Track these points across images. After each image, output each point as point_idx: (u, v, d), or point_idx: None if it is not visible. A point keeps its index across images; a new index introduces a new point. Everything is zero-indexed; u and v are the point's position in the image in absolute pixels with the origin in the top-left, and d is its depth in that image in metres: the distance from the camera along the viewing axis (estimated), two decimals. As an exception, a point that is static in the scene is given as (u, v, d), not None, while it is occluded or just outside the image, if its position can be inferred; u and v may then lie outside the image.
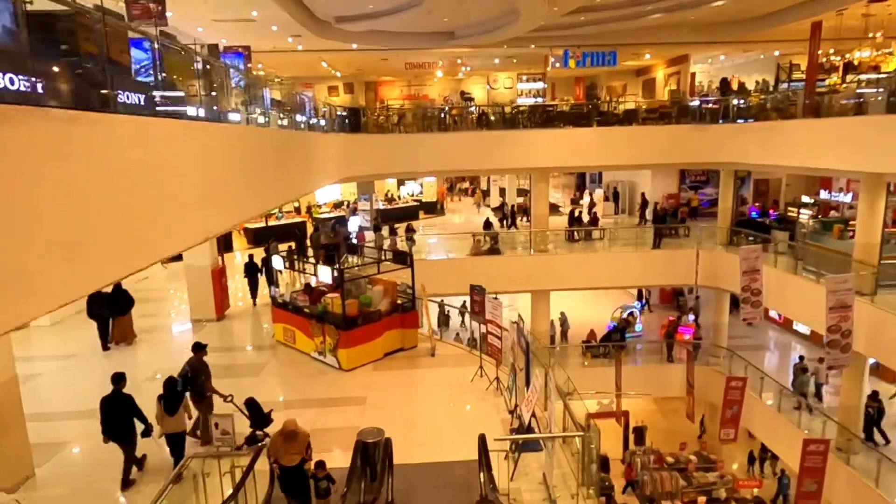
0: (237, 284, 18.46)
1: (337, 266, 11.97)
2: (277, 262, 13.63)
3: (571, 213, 26.29)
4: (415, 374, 11.60)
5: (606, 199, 30.93)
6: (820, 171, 20.45)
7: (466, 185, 40.85)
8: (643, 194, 27.38)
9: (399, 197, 34.38)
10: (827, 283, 12.64)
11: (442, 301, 16.39)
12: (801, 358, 18.14)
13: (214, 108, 7.70)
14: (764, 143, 18.67)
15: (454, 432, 9.19)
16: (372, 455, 7.39)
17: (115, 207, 4.58)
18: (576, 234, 23.83)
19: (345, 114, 19.95)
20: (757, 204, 27.92)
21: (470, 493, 7.65)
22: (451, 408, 10.03)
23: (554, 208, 26.86)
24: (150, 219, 5.23)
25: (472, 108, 22.44)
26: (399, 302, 12.95)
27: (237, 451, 7.05)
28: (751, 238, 18.93)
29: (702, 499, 14.40)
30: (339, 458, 8.01)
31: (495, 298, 10.13)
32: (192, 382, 8.62)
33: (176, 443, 8.01)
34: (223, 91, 8.26)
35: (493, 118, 21.84)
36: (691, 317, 25.54)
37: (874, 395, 14.13)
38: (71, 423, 9.89)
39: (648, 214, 25.60)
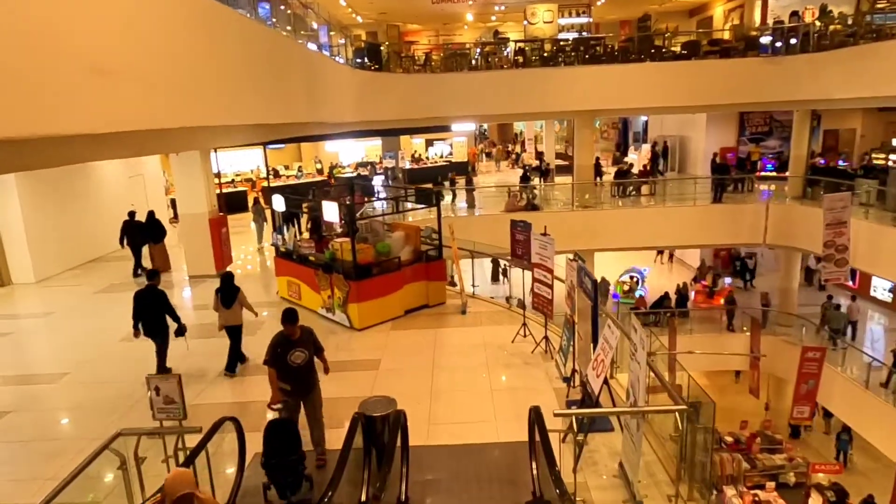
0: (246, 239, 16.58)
1: (344, 200, 9.80)
2: (279, 202, 11.53)
3: (619, 168, 23.72)
4: (441, 334, 9.44)
5: (654, 156, 28.04)
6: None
7: (495, 149, 38.17)
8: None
9: (427, 157, 32.16)
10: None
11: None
12: (830, 297, 17.92)
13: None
14: (853, 73, 15.70)
15: (491, 406, 7.04)
16: (379, 434, 5.28)
17: None
18: (624, 188, 21.34)
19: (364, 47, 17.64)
20: (828, 156, 24.81)
21: (516, 488, 5.50)
22: (487, 375, 7.85)
23: (597, 168, 24.26)
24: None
25: (508, 48, 19.83)
26: (423, 249, 10.78)
27: (188, 428, 5.00)
28: (841, 187, 16.05)
29: (770, 484, 12.20)
30: (338, 438, 5.90)
31: (545, 235, 7.83)
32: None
33: (234, 334, 8.40)
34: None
35: (531, 55, 19.26)
36: (727, 280, 22.95)
37: None
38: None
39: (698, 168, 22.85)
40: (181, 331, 8.13)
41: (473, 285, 11.32)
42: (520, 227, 8.71)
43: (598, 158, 24.02)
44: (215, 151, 14.01)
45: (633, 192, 21.64)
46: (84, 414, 7.48)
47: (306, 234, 11.29)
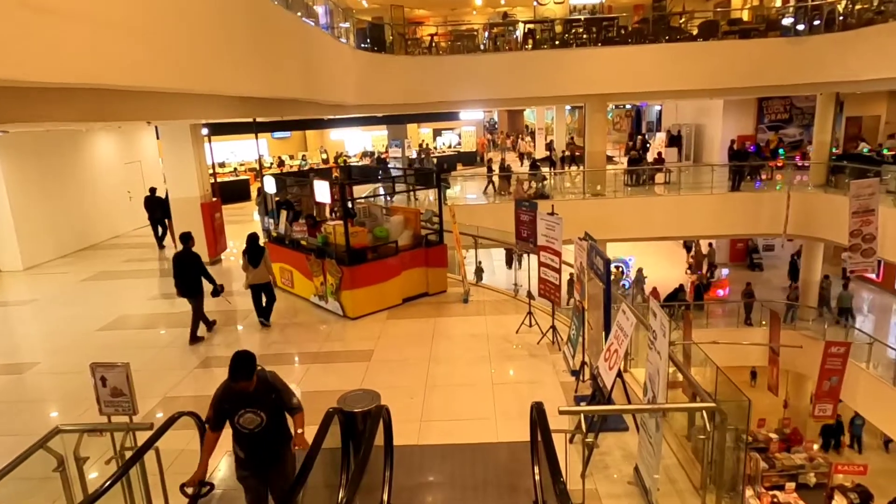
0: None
1: (335, 180, 9.12)
2: (269, 183, 10.86)
3: (630, 156, 22.89)
4: (441, 323, 8.76)
5: (669, 144, 27.12)
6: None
7: (508, 141, 37.31)
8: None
9: (435, 147, 31.48)
10: None
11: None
12: (827, 276, 17.90)
13: None
14: (882, 52, 14.77)
15: (492, 401, 6.35)
16: (360, 433, 4.61)
17: None
18: (637, 176, 20.53)
19: (367, 27, 16.94)
20: (852, 144, 23.83)
21: (516, 495, 4.83)
22: (489, 368, 7.16)
23: (608, 159, 23.41)
24: None
25: (517, 30, 19.03)
26: (423, 234, 10.11)
27: (136, 425, 4.34)
28: (868, 174, 15.14)
29: (790, 485, 11.47)
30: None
31: (552, 214, 7.12)
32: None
33: (266, 291, 8.85)
34: None
35: (541, 37, 18.46)
36: (725, 271, 22.08)
37: None
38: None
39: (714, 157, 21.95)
40: (217, 291, 8.57)
41: (476, 271, 10.62)
42: (525, 208, 7.99)
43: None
44: (210, 141, 13.43)
45: (647, 181, 20.85)
46: (45, 408, 6.88)
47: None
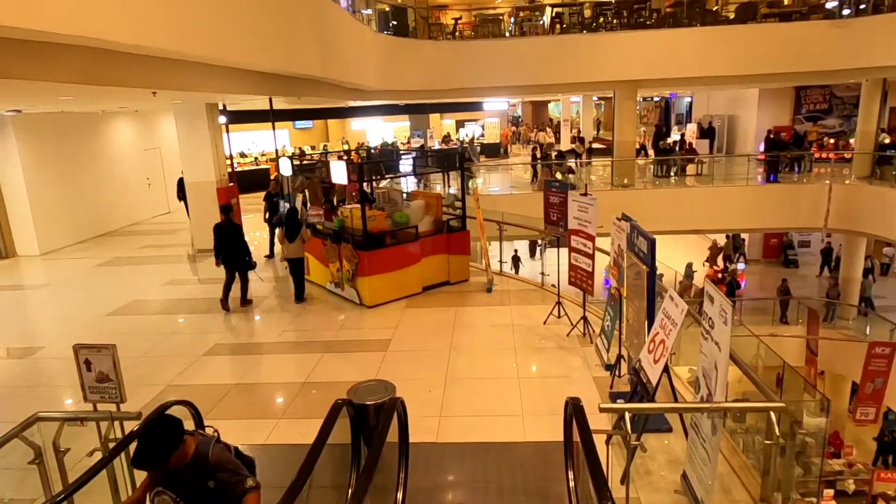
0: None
1: (347, 157, 8.62)
2: (285, 165, 10.41)
3: (658, 145, 22.07)
4: (463, 313, 8.23)
5: (700, 136, 26.15)
6: None
7: (532, 133, 36.52)
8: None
9: (458, 139, 30.92)
10: None
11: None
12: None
13: None
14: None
15: (518, 397, 5.81)
16: (372, 427, 4.12)
17: None
18: (667, 167, 19.76)
19: (389, 10, 16.44)
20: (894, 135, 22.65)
21: (547, 502, 4.29)
22: (514, 360, 6.62)
23: (637, 151, 22.63)
24: None
25: (544, 15, 18.36)
26: (445, 219, 9.59)
27: (121, 414, 3.90)
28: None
29: (828, 492, 10.76)
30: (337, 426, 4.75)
31: (585, 195, 6.54)
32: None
33: (295, 267, 8.88)
34: None
35: (569, 20, 17.77)
36: (741, 265, 21.16)
37: None
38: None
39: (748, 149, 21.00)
40: (250, 265, 8.80)
41: (501, 261, 10.06)
42: (555, 189, 7.41)
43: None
44: (228, 130, 13.09)
45: (679, 172, 20.05)
46: (42, 393, 6.52)
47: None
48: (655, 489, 4.35)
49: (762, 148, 22.98)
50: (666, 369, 4.31)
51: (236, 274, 8.78)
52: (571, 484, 3.97)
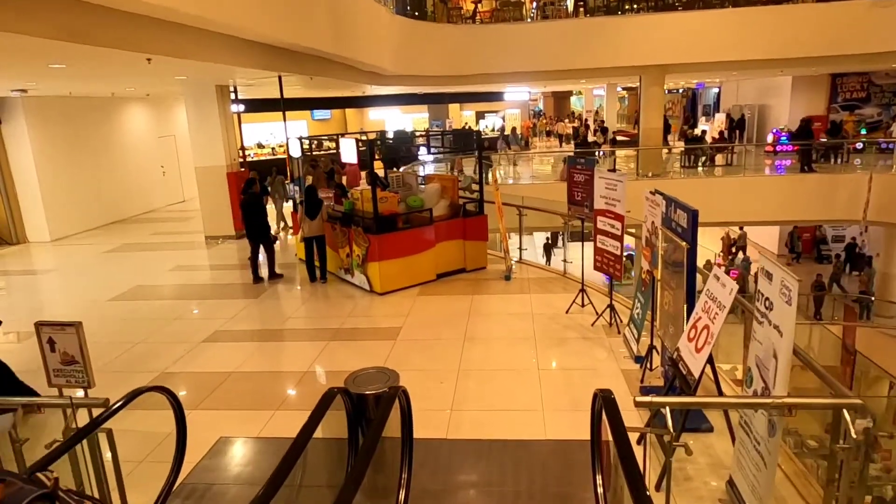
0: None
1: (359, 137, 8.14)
2: (295, 147, 9.95)
3: (685, 133, 21.27)
4: (479, 301, 7.70)
5: (730, 128, 25.18)
6: None
7: (552, 125, 35.70)
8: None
9: (477, 131, 30.31)
10: None
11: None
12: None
13: None
14: None
15: (538, 390, 5.27)
16: (370, 420, 3.62)
17: None
18: (695, 157, 18.96)
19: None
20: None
21: (571, 508, 3.76)
22: (534, 351, 6.07)
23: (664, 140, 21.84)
24: None
25: (567, -1, 17.70)
26: (461, 203, 9.06)
27: (86, 401, 3.45)
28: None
29: (867, 498, 10.02)
30: (335, 420, 4.26)
31: (613, 170, 5.94)
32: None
33: (320, 245, 8.79)
34: None
35: (593, 3, 17.08)
36: (746, 259, 20.33)
37: None
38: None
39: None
40: (271, 239, 9.01)
41: (521, 248, 9.50)
42: (579, 166, 6.83)
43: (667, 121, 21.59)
44: (240, 121, 12.73)
45: (707, 163, 19.25)
46: (26, 379, 6.13)
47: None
48: (697, 497, 3.78)
49: (770, 139, 22.13)
50: (710, 360, 3.73)
51: (260, 247, 8.99)
52: (600, 490, 3.42)
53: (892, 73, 22.20)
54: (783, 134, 21.79)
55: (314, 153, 11.71)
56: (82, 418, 3.51)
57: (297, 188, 10.07)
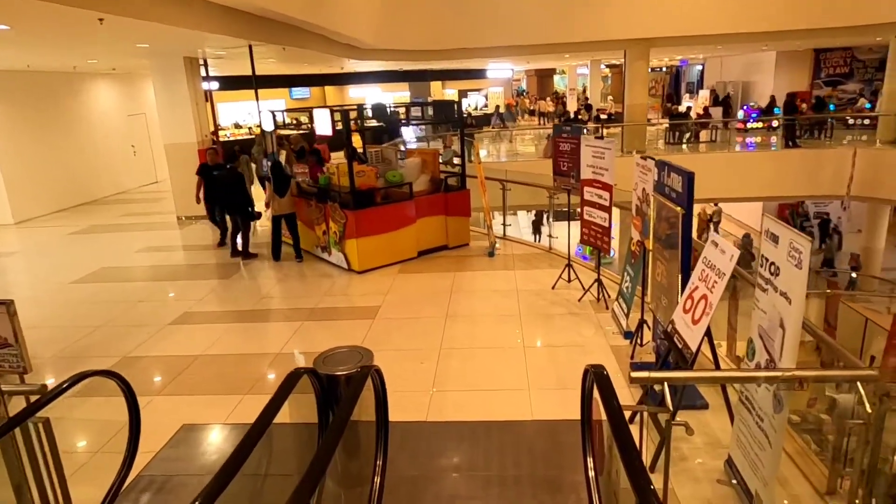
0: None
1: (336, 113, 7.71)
2: (268, 120, 9.49)
3: (669, 109, 21.07)
4: (462, 278, 7.40)
5: (714, 104, 24.99)
6: None
7: (534, 104, 35.25)
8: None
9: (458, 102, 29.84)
10: None
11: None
12: None
13: None
14: None
15: (523, 368, 5.00)
16: (339, 401, 3.30)
17: None
18: (680, 134, 18.79)
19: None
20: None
21: (559, 494, 3.51)
22: (519, 328, 5.80)
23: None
24: None
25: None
26: (443, 178, 8.72)
27: (20, 388, 3.10)
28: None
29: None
30: (303, 406, 3.93)
31: (600, 137, 5.64)
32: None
33: (291, 223, 8.44)
34: None
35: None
36: (714, 235, 20.35)
37: None
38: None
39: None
40: (253, 215, 8.81)
41: (505, 224, 9.20)
42: (565, 134, 6.51)
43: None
44: (212, 100, 12.20)
45: (692, 139, 19.10)
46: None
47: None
48: (693, 478, 3.55)
49: (741, 115, 22.08)
50: (707, 333, 3.47)
51: (238, 222, 8.76)
52: (591, 473, 3.16)
53: (875, 49, 22.10)
54: (753, 111, 21.71)
55: (288, 131, 11.22)
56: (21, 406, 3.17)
57: (269, 163, 9.61)
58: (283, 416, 3.49)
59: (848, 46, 22.44)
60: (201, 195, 9.51)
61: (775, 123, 19.06)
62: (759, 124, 19.89)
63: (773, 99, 21.45)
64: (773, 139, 18.64)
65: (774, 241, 2.94)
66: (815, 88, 23.06)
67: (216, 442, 4.29)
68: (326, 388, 3.38)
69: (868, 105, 20.66)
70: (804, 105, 19.67)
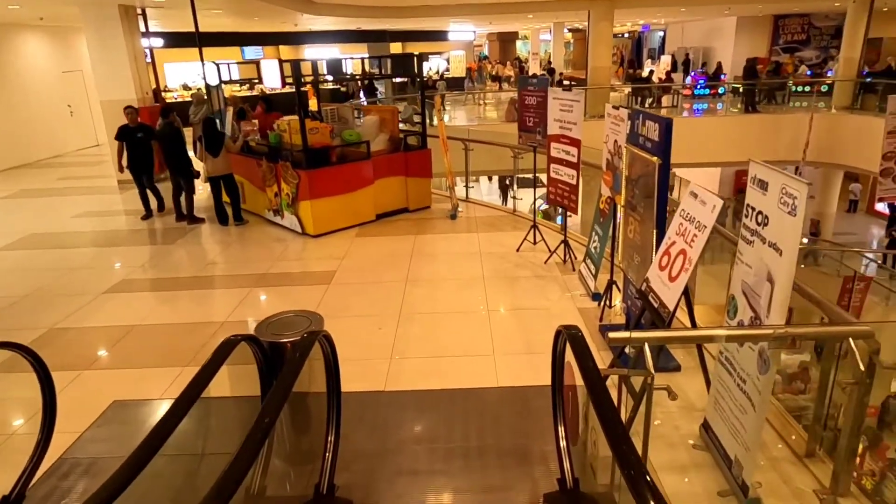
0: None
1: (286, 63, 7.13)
2: (212, 73, 8.80)
3: (631, 74, 20.91)
4: (423, 241, 7.06)
5: (674, 69, 24.96)
6: None
7: (495, 69, 34.56)
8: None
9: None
10: None
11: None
12: None
13: None
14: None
15: (488, 333, 4.73)
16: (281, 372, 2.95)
17: None
18: (642, 98, 18.68)
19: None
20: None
21: (528, 465, 3.27)
22: (483, 292, 5.51)
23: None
24: None
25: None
26: (402, 137, 8.28)
27: None
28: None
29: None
30: (246, 378, 3.55)
31: (567, 88, 5.31)
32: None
33: (229, 184, 7.87)
34: None
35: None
36: None
37: None
38: None
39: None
40: (192, 174, 8.14)
41: (467, 186, 8.86)
42: (531, 87, 6.15)
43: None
44: (153, 57, 11.26)
45: (653, 104, 19.02)
46: None
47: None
48: (668, 444, 3.35)
49: (688, 81, 22.19)
50: (685, 291, 3.24)
51: (181, 183, 8.12)
52: (563, 442, 2.91)
53: (832, 16, 22.33)
54: (700, 77, 21.81)
55: (236, 88, 10.51)
56: None
57: (217, 121, 8.95)
58: (223, 388, 3.13)
59: (806, 13, 22.61)
60: (124, 162, 8.29)
61: (721, 90, 19.22)
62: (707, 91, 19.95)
63: (719, 65, 21.55)
64: (720, 105, 18.73)
65: (763, 188, 2.69)
66: (773, 55, 23.24)
67: (150, 419, 3.88)
68: (270, 357, 3.02)
69: (830, 72, 20.91)
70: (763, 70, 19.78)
